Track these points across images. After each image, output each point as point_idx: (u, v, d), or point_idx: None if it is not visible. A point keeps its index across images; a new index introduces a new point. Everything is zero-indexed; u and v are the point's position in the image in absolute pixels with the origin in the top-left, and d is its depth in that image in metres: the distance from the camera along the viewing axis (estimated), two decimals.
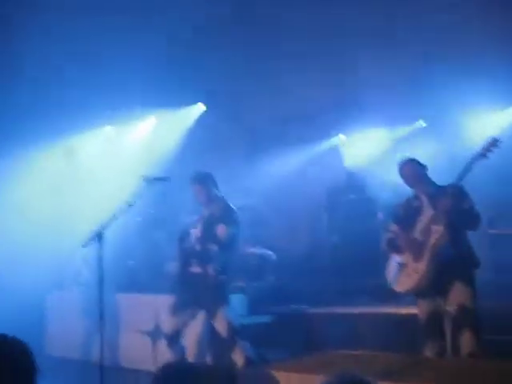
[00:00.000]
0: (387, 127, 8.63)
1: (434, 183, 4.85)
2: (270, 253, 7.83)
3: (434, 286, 4.55)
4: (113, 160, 9.19)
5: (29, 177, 8.33)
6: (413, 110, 8.21)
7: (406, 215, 4.86)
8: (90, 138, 9.50)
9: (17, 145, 7.89)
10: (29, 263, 7.62)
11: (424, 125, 8.55)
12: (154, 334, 6.34)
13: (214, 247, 5.29)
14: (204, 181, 5.51)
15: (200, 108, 9.61)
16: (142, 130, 9.88)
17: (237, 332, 5.22)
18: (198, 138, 9.32)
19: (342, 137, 9.16)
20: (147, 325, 6.43)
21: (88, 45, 7.48)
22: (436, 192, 4.71)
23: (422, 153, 6.00)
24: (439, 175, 4.89)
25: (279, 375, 3.75)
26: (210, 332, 5.81)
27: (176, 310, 5.42)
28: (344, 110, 8.40)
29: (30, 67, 7.54)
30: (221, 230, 5.31)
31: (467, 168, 4.43)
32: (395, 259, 4.83)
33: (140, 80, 8.04)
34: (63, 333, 7.25)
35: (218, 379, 3.61)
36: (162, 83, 8.19)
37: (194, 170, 5.62)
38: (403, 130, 8.69)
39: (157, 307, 6.39)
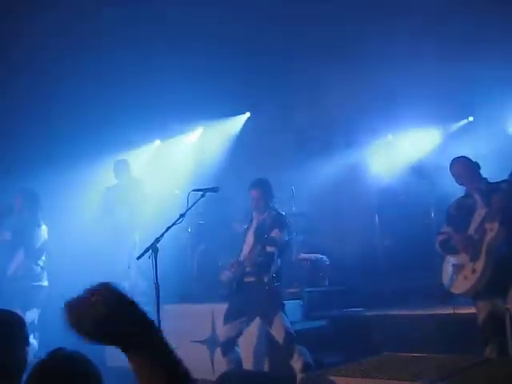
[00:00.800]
0: (435, 125, 8.50)
1: (485, 180, 4.77)
2: (323, 257, 7.81)
3: (493, 285, 4.46)
4: (163, 172, 9.34)
5: (81, 191, 8.56)
6: (462, 106, 8.09)
7: (459, 215, 4.79)
8: (140, 152, 9.70)
9: (70, 161, 8.13)
10: (85, 276, 7.75)
11: (471, 119, 8.38)
12: (211, 343, 6.42)
13: (270, 249, 5.33)
14: (265, 187, 5.56)
15: (245, 116, 9.69)
16: (189, 141, 10.01)
17: (294, 338, 5.22)
18: (246, 146, 9.40)
19: (390, 137, 9.07)
20: (204, 334, 6.52)
21: (137, 59, 7.66)
22: (488, 189, 4.62)
23: (473, 150, 5.90)
24: (491, 172, 4.81)
25: (337, 380, 3.74)
26: (267, 339, 5.83)
27: (229, 318, 5.46)
28: (390, 111, 8.33)
29: (79, 82, 7.76)
30: (275, 235, 5.36)
31: None
32: (450, 261, 4.76)
33: (186, 91, 8.16)
34: None
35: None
36: (209, 92, 8.29)
37: (254, 177, 5.64)
38: (452, 128, 8.55)
39: (213, 316, 6.46)
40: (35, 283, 6.37)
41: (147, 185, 8.16)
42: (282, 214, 5.57)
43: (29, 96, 7.72)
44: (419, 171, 7.88)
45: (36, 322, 6.28)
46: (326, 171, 8.75)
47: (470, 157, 4.85)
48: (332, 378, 3.78)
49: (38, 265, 6.39)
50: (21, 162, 7.95)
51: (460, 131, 8.41)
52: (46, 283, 6.45)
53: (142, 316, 1.24)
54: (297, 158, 9.46)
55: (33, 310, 6.26)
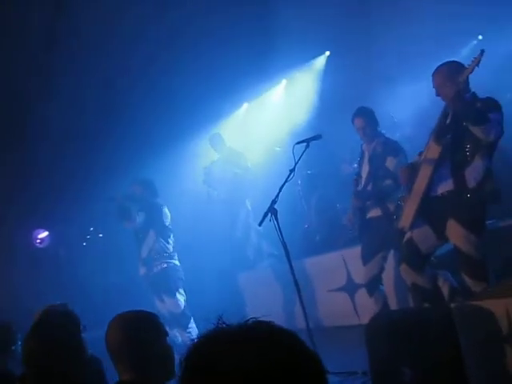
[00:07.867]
0: None
1: None
2: None
3: None
4: (257, 134, 9.23)
5: (188, 170, 8.74)
6: None
7: None
8: (231, 120, 9.69)
9: (176, 137, 8.46)
10: (211, 250, 7.91)
11: None
12: (349, 288, 6.30)
13: (389, 182, 5.09)
14: (368, 114, 5.27)
15: (325, 55, 9.25)
16: (276, 96, 9.78)
17: (434, 264, 4.97)
18: (332, 85, 8.92)
19: None
20: (340, 281, 6.40)
21: None
22: None
23: None
24: None
25: (487, 303, 3.35)
26: None
27: (367, 257, 5.25)
28: None
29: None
30: (390, 163, 5.10)
31: None
32: None
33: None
34: (264, 307, 7.28)
35: (432, 321, 3.34)
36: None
37: (358, 106, 5.35)
38: None
39: (344, 261, 6.31)
40: (170, 261, 6.47)
41: (247, 156, 8.03)
42: (391, 139, 5.32)
43: None
44: None
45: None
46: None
47: None
48: (490, 301, 3.33)
49: (169, 243, 6.50)
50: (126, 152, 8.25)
51: None
52: (177, 262, 6.54)
53: None
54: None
55: (180, 291, 6.42)
